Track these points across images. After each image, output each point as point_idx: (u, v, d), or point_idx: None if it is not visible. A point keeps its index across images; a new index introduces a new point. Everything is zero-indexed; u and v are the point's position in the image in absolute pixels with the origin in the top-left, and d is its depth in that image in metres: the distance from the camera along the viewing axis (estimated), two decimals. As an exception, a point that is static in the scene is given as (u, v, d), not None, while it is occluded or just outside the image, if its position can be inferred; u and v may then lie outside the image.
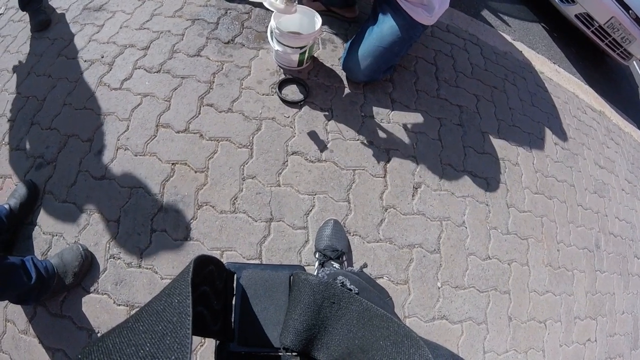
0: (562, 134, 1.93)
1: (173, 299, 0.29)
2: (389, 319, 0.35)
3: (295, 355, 0.41)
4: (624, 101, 2.85)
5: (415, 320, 1.21)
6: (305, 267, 1.17)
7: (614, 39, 2.65)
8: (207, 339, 1.06)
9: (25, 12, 1.61)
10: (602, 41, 2.71)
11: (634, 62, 3.10)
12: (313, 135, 1.38)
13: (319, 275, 1.04)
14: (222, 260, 1.15)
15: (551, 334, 1.41)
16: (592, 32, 2.69)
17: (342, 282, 0.55)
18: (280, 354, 0.42)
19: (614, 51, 2.75)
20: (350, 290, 0.54)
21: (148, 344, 0.25)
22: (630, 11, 2.46)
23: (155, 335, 0.26)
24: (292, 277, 0.46)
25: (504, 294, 1.36)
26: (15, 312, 1.07)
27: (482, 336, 1.27)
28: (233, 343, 0.42)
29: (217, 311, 0.41)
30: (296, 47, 1.34)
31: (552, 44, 2.78)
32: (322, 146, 1.37)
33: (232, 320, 0.44)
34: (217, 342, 0.44)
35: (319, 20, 1.36)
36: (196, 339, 1.05)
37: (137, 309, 0.29)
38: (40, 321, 1.06)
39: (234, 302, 0.45)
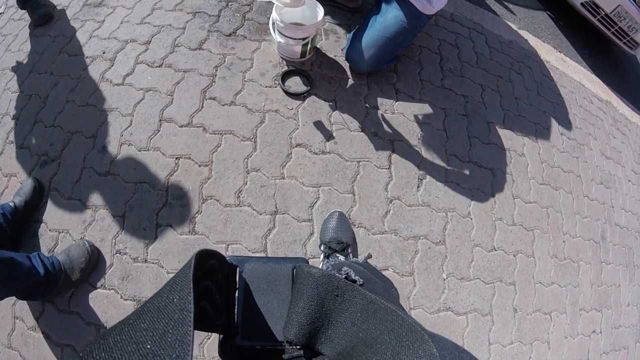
0: (568, 124, 1.90)
1: (174, 295, 0.29)
2: (393, 312, 0.35)
3: (299, 349, 0.41)
4: (631, 90, 2.80)
5: (420, 311, 1.21)
6: (311, 260, 1.17)
7: (620, 27, 2.60)
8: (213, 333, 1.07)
9: (24, 11, 1.60)
10: (609, 30, 2.66)
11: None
12: (317, 126, 1.37)
13: (324, 266, 1.04)
14: (226, 253, 1.15)
15: (556, 326, 1.41)
16: (598, 20, 2.64)
17: (347, 274, 0.54)
18: (284, 347, 0.42)
19: (621, 40, 2.70)
20: (355, 281, 0.53)
21: (149, 342, 0.25)
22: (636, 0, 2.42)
23: (156, 332, 0.25)
24: (294, 270, 0.46)
25: (510, 285, 1.36)
26: (24, 309, 1.08)
27: (487, 328, 1.27)
28: (237, 337, 0.42)
29: (219, 305, 0.41)
30: (299, 39, 1.33)
31: (558, 32, 2.73)
32: (326, 138, 1.36)
33: (235, 314, 0.44)
34: (221, 336, 0.43)
35: (321, 10, 1.34)
36: (202, 333, 1.06)
37: (139, 306, 0.29)
38: (49, 317, 1.06)
39: (236, 296, 0.45)
